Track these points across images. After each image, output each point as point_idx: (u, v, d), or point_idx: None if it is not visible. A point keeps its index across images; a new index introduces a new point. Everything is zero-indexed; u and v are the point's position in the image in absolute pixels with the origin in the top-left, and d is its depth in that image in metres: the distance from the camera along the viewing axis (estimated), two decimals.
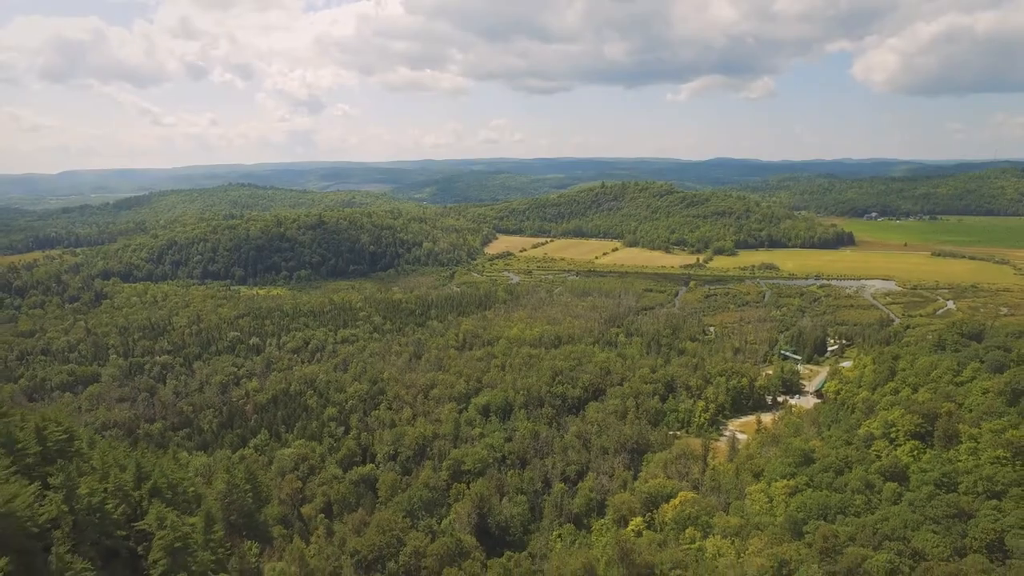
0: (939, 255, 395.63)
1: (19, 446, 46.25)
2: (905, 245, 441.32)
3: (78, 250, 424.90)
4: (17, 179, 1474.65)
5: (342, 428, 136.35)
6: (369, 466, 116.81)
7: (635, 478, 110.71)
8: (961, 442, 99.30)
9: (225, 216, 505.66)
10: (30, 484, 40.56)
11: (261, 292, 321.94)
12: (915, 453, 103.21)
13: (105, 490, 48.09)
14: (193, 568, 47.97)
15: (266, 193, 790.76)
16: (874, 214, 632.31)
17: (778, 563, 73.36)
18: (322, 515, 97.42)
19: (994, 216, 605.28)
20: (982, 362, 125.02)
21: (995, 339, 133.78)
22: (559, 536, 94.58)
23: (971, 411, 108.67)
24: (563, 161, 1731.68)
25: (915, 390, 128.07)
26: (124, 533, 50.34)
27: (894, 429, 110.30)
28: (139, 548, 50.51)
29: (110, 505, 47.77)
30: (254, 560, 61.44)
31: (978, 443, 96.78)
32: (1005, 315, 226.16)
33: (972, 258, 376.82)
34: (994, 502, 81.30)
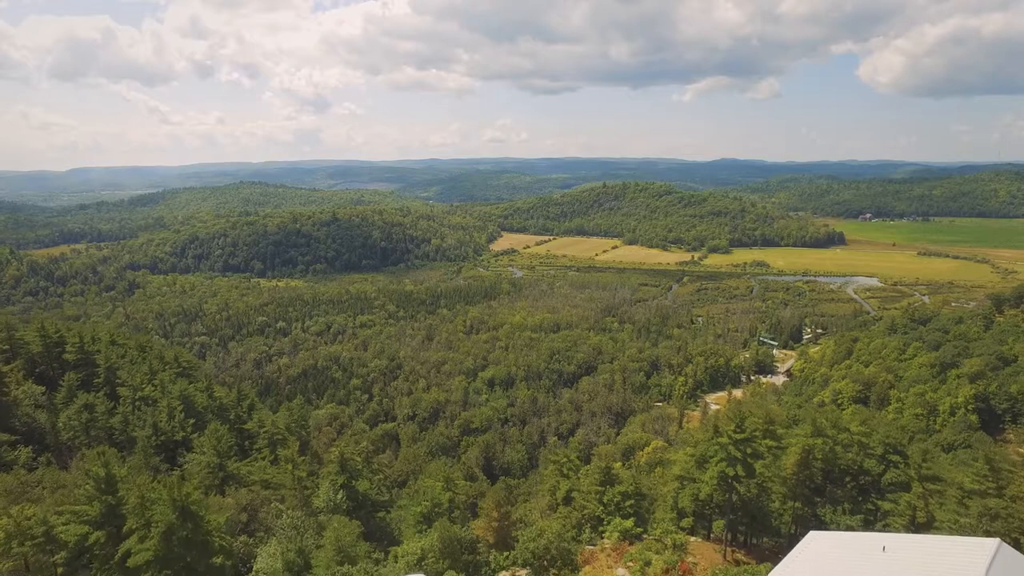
0: (925, 254, 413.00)
1: (167, 362, 66.25)
2: (894, 245, 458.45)
3: (102, 244, 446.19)
4: (28, 176, 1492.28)
5: (366, 395, 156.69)
6: (392, 424, 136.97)
7: (618, 435, 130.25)
8: (891, 403, 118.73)
9: (241, 213, 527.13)
10: (190, 384, 60.48)
11: (280, 284, 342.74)
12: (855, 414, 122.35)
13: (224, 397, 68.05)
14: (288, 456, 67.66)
15: (277, 191, 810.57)
16: (869, 215, 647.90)
17: None
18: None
19: (986, 217, 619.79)
20: (923, 342, 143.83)
21: (937, 323, 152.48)
22: None
23: (906, 380, 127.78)
24: (568, 161, 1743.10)
25: (866, 366, 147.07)
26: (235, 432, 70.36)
27: (840, 396, 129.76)
28: (245, 443, 70.62)
29: (229, 408, 67.73)
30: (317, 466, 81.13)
31: (903, 403, 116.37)
32: (970, 308, 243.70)
33: (956, 257, 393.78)
34: None
